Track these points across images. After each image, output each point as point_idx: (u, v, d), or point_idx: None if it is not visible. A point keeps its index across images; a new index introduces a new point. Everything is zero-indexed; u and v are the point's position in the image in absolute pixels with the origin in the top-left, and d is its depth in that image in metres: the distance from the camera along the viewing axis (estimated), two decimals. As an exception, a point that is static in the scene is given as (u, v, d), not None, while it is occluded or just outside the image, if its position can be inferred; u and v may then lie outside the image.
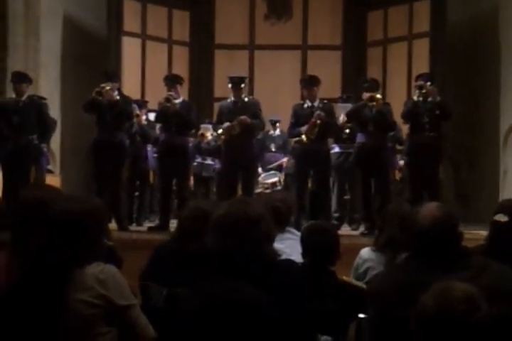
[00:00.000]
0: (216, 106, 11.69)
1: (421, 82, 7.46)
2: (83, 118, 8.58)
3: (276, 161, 9.93)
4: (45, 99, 8.31)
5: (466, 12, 10.83)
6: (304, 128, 7.52)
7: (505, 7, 10.00)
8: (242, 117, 7.44)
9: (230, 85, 7.67)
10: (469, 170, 10.91)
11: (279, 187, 9.42)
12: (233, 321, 2.19)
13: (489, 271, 2.36)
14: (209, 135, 9.80)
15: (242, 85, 7.67)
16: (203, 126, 9.77)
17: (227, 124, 7.47)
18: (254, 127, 7.60)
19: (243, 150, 7.52)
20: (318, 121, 7.45)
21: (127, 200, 8.52)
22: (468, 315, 1.87)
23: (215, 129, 8.04)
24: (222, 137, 7.66)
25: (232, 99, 7.68)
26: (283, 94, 11.36)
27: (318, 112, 7.47)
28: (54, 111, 9.23)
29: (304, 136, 7.51)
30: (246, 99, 7.71)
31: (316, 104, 7.66)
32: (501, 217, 3.28)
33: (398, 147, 8.71)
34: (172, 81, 7.76)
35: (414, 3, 11.30)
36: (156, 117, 7.93)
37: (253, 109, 7.63)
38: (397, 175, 9.12)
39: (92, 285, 2.38)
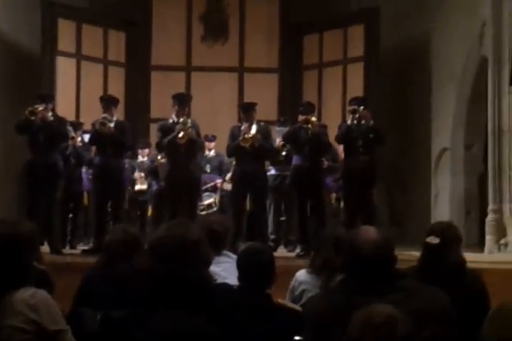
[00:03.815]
0: (153, 127, 11.67)
1: (354, 106, 7.58)
2: (15, 138, 8.41)
3: (211, 182, 9.86)
4: None
5: (400, 37, 11.07)
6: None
7: (437, 32, 10.28)
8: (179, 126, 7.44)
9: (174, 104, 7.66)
10: (402, 193, 11.09)
11: (214, 209, 9.39)
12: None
13: (420, 294, 2.40)
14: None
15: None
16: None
17: (172, 135, 7.44)
18: (196, 141, 7.57)
19: (186, 171, 7.49)
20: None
21: (61, 222, 8.36)
22: (389, 338, 1.90)
23: (159, 146, 8.01)
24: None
25: (174, 118, 7.65)
26: (220, 115, 11.37)
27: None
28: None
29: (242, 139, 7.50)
30: None
31: (252, 125, 7.70)
32: (433, 239, 3.36)
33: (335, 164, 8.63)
34: (107, 102, 7.71)
35: (348, 28, 11.49)
36: (90, 139, 7.84)
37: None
38: (333, 198, 9.16)
39: (21, 310, 2.33)
